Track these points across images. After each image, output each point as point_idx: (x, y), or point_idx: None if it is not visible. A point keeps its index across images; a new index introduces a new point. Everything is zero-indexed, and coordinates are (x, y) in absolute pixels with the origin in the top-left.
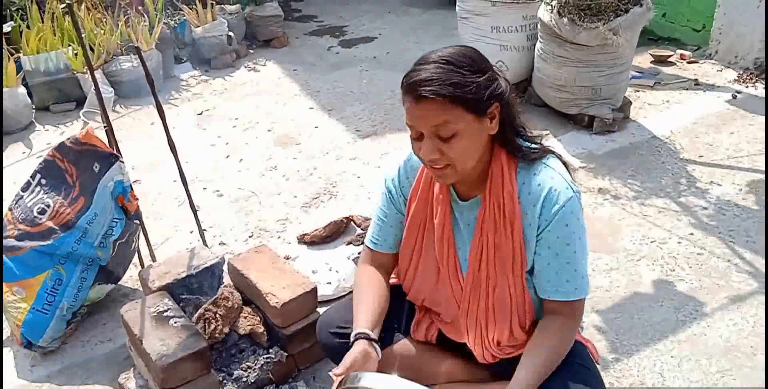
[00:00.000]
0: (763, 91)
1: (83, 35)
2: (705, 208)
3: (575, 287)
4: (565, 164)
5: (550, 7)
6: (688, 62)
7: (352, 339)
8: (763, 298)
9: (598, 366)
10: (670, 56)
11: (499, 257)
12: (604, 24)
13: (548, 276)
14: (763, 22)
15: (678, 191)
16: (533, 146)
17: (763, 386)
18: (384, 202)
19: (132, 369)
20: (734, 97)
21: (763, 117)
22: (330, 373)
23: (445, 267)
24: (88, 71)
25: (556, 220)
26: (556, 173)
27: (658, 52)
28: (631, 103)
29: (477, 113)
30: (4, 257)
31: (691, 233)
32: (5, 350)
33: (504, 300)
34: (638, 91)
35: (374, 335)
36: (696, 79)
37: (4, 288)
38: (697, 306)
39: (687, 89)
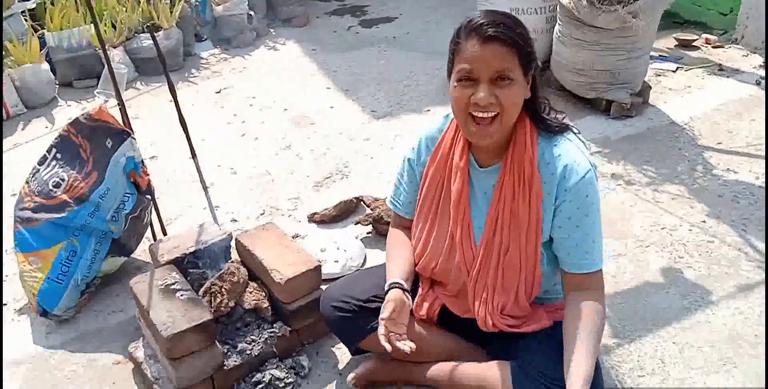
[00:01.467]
0: None
1: (105, 12)
2: (720, 196)
3: (594, 259)
4: (582, 140)
5: None
6: (713, 47)
7: (387, 288)
8: None
9: None
10: (694, 40)
11: (514, 225)
12: (623, 7)
13: (569, 248)
14: None
15: (693, 177)
16: (556, 119)
17: (764, 374)
18: (404, 168)
19: (141, 339)
20: (758, 83)
21: None
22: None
23: (459, 233)
24: (109, 48)
25: (576, 191)
26: (575, 146)
27: (682, 35)
28: (650, 88)
29: (525, 69)
30: (21, 228)
31: (703, 221)
32: (23, 317)
33: (514, 266)
34: (659, 75)
35: (407, 285)
36: (720, 64)
37: (21, 258)
38: (704, 293)
39: (710, 74)
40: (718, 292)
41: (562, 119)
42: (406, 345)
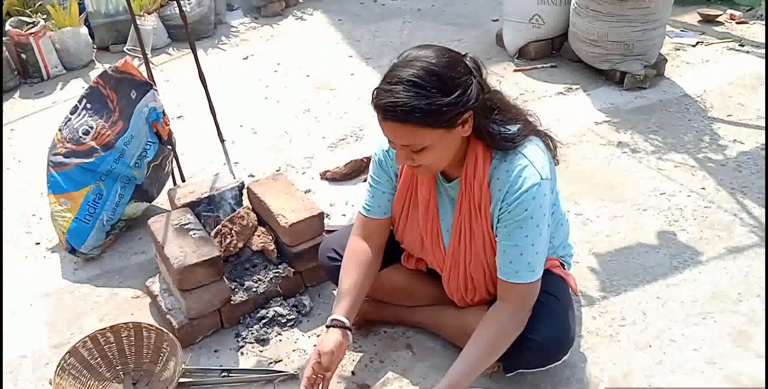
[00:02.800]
0: None
1: None
2: (723, 165)
3: (516, 270)
4: (549, 143)
5: None
6: (737, 23)
7: (328, 323)
8: (761, 251)
9: (575, 297)
10: (718, 16)
11: (472, 240)
12: None
13: (498, 255)
14: None
15: (699, 147)
16: (511, 132)
17: (744, 329)
18: (375, 169)
19: (158, 275)
20: None
21: None
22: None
23: (429, 239)
24: (144, 14)
25: (516, 203)
26: (527, 161)
27: (706, 11)
28: (666, 60)
29: (446, 127)
30: (53, 171)
31: (703, 188)
32: (54, 255)
33: (479, 273)
34: (678, 49)
35: (348, 322)
36: (741, 40)
37: (53, 199)
38: (694, 254)
39: (729, 50)
40: (708, 254)
41: (533, 115)
42: None
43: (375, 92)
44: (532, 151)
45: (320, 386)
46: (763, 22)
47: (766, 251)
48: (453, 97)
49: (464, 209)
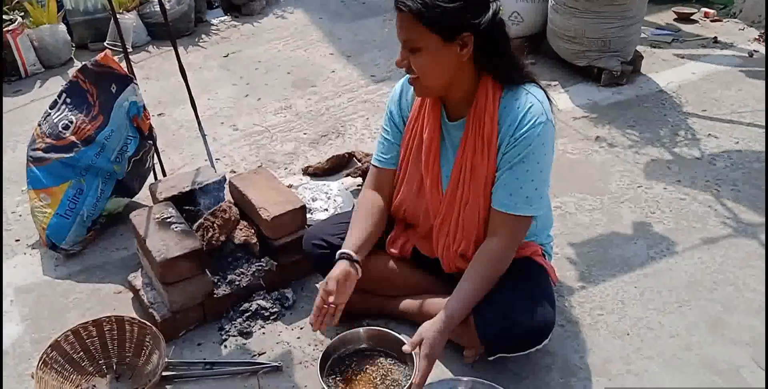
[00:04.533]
0: None
1: None
2: (698, 158)
3: (515, 202)
4: (547, 95)
5: None
6: (712, 21)
7: (336, 257)
8: (735, 240)
9: (554, 285)
10: (693, 14)
11: (474, 179)
12: None
13: (498, 186)
14: None
15: (674, 141)
16: (519, 64)
17: (719, 316)
18: (386, 122)
19: (140, 270)
20: (751, 55)
21: None
22: (317, 285)
23: (428, 180)
24: (123, 12)
25: (521, 139)
26: (536, 100)
27: (681, 9)
28: (642, 57)
29: (442, 36)
30: (33, 167)
31: (678, 181)
32: (34, 251)
33: (472, 216)
34: (654, 46)
35: (357, 257)
36: (715, 37)
37: (33, 195)
38: (670, 245)
39: (704, 47)
40: (684, 244)
41: (528, 72)
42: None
43: None
44: (539, 93)
45: (333, 316)
46: (737, 20)
47: (766, 256)
48: (458, 5)
49: (469, 146)
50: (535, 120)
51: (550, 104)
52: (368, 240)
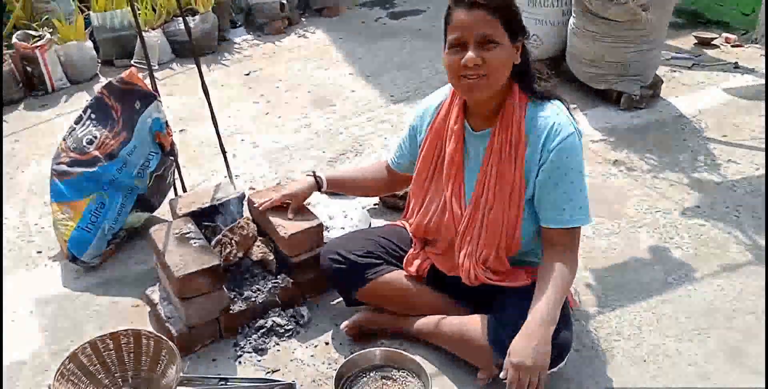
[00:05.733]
0: None
1: None
2: (718, 184)
3: (571, 215)
4: (569, 110)
5: None
6: (732, 46)
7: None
8: (756, 268)
9: (572, 310)
10: (714, 39)
11: (500, 185)
12: (633, 0)
13: (546, 205)
14: None
15: (694, 166)
16: (543, 87)
17: (738, 345)
18: (407, 133)
19: (157, 284)
20: None
21: None
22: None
23: (450, 191)
24: (148, 30)
25: (557, 151)
26: (562, 112)
27: (702, 34)
28: (662, 81)
29: (511, 35)
30: (57, 180)
31: (698, 206)
32: (55, 264)
33: (496, 222)
34: (675, 71)
35: (323, 180)
36: (736, 63)
37: (55, 207)
38: (689, 271)
39: (725, 72)
40: (703, 270)
41: (552, 89)
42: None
43: None
44: (563, 109)
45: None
46: (758, 46)
47: (766, 265)
48: (516, 9)
49: (495, 153)
50: (566, 131)
51: (573, 117)
52: (351, 179)
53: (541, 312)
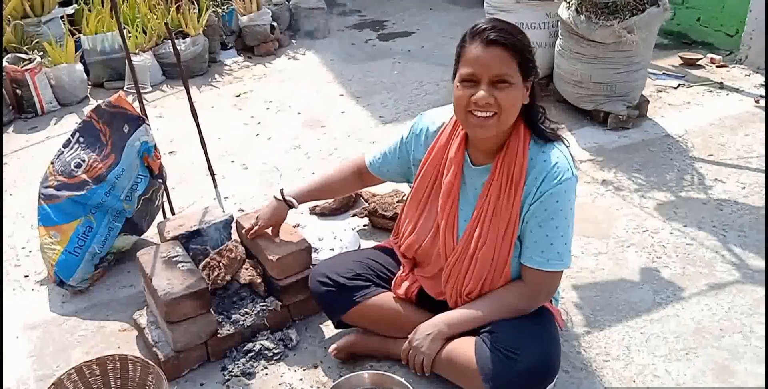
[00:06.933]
0: None
1: (138, 19)
2: (705, 203)
3: (548, 259)
4: (570, 153)
5: (569, 4)
6: (718, 66)
7: (276, 195)
8: (743, 287)
9: (561, 330)
10: (699, 59)
11: (495, 222)
12: (619, 22)
13: (527, 243)
14: None
15: (681, 186)
16: (548, 128)
17: (726, 364)
18: (400, 144)
19: (145, 308)
20: (757, 101)
21: None
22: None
23: (444, 224)
24: (138, 52)
25: (549, 193)
26: (563, 156)
27: (687, 55)
28: (648, 102)
29: (524, 74)
30: (44, 204)
31: (685, 225)
32: (42, 287)
33: (486, 259)
34: (661, 91)
35: (295, 201)
36: (721, 83)
37: (43, 231)
38: (676, 290)
39: (710, 92)
40: (690, 290)
41: (557, 130)
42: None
43: (479, 24)
44: (565, 151)
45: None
46: (743, 66)
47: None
48: (531, 49)
49: (494, 191)
50: (563, 175)
51: (573, 161)
52: (321, 187)
53: (454, 317)
